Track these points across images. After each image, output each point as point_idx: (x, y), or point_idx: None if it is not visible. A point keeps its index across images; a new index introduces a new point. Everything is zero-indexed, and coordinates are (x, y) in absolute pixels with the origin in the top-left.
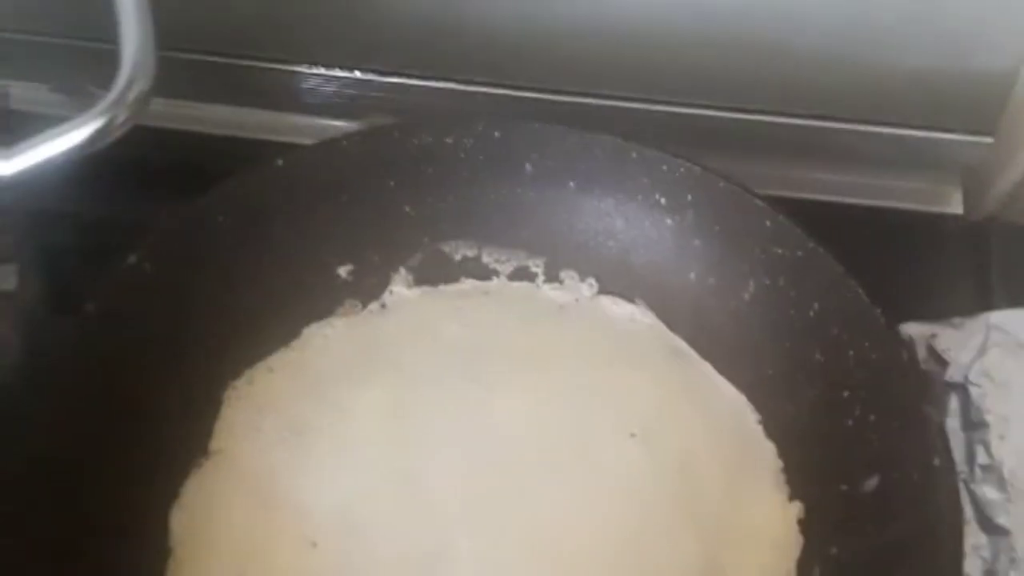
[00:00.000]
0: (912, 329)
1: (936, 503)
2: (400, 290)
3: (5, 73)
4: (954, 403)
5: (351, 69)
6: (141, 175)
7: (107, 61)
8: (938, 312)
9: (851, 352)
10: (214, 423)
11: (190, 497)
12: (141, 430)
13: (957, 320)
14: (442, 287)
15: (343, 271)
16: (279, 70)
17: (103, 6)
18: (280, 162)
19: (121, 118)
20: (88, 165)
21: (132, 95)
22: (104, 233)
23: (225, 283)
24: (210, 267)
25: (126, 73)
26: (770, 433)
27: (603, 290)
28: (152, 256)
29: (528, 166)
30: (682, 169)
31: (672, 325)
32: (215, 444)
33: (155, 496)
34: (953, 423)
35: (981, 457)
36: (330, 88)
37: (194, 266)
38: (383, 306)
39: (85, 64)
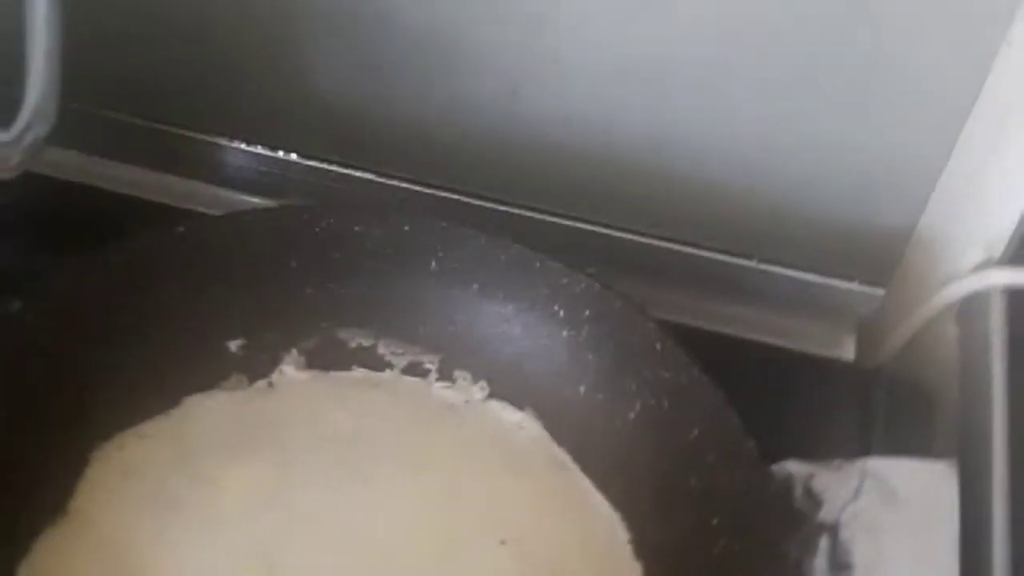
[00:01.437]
0: (793, 467)
1: None
2: (290, 371)
3: None
4: (824, 543)
5: (273, 148)
6: (42, 226)
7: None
8: (821, 453)
9: (723, 480)
10: (77, 482)
11: (40, 556)
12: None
13: (837, 463)
14: (333, 373)
15: (233, 345)
16: (199, 139)
17: (14, 49)
18: (181, 229)
19: (14, 161)
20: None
21: (27, 140)
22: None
23: (108, 342)
24: (94, 324)
25: (25, 118)
26: (639, 553)
27: (494, 394)
28: (35, 306)
29: (433, 263)
30: (582, 284)
31: (557, 436)
32: (75, 504)
33: (5, 549)
34: (821, 563)
35: None
36: (248, 164)
37: (77, 321)
38: (270, 384)
39: None
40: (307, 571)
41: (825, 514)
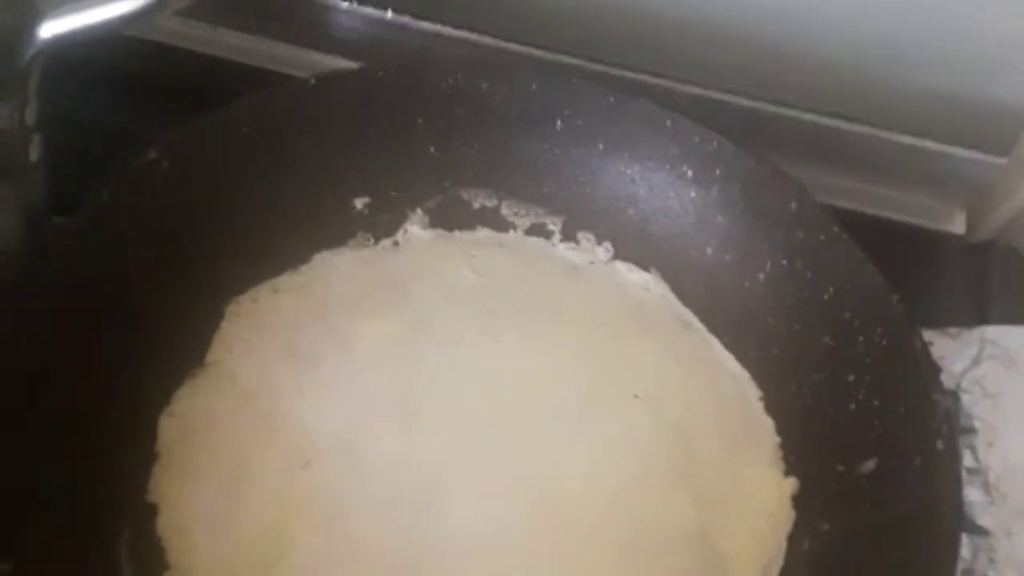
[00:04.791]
0: None
1: (937, 488)
2: (415, 230)
3: None
4: None
5: (383, 8)
6: (158, 93)
7: None
8: (937, 323)
9: (861, 337)
10: (213, 336)
11: (181, 405)
12: (138, 332)
13: (953, 330)
14: (457, 233)
15: (359, 203)
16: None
17: None
18: (313, 81)
19: None
20: (109, 78)
21: None
22: (115, 142)
23: (240, 195)
24: (227, 176)
25: None
26: (770, 410)
27: (618, 255)
28: (171, 155)
29: (559, 122)
30: (715, 143)
31: (684, 297)
32: (212, 356)
33: (146, 399)
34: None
35: (968, 460)
36: (357, 26)
37: (212, 172)
38: (395, 243)
39: None
40: (445, 417)
41: (945, 380)
